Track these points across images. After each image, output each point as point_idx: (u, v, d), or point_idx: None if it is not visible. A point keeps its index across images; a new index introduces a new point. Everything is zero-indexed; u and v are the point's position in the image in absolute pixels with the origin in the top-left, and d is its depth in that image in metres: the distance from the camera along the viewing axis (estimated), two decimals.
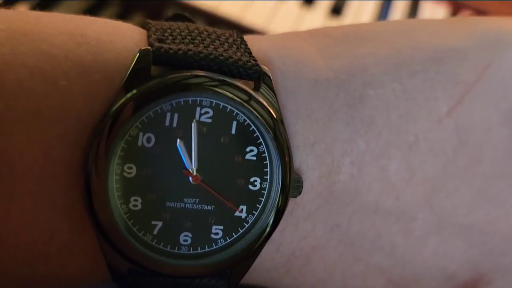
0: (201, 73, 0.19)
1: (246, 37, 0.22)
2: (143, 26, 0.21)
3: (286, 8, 0.82)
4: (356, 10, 0.85)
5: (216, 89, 0.19)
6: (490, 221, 0.23)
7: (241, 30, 0.71)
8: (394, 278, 0.23)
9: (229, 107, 0.20)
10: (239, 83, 0.20)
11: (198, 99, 0.19)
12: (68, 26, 0.20)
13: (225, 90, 0.19)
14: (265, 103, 0.20)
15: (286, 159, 0.20)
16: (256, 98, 0.20)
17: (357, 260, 0.23)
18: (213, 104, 0.20)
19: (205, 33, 0.21)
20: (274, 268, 0.23)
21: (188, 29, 0.21)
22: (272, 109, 0.20)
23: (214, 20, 0.72)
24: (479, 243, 0.23)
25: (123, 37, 0.20)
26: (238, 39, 0.21)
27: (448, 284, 0.24)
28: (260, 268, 0.22)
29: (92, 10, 0.73)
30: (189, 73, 0.19)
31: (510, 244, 0.23)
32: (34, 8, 0.63)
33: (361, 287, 0.24)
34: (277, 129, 0.20)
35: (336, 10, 0.83)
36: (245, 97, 0.20)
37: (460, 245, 0.23)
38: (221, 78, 0.20)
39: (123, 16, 0.76)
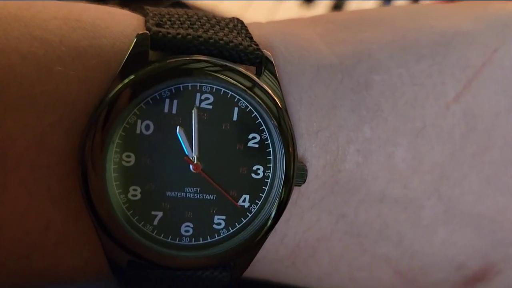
0: (201, 57, 0.19)
1: (247, 24, 0.22)
2: (141, 12, 0.21)
3: (285, 7, 0.82)
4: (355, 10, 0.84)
5: (217, 74, 0.19)
6: (499, 210, 0.22)
7: None
8: (402, 269, 0.23)
9: (230, 93, 0.19)
10: (241, 69, 0.19)
11: (198, 84, 0.19)
12: (62, 11, 0.19)
13: (227, 76, 0.19)
14: (269, 91, 0.19)
15: (290, 150, 0.20)
16: (260, 85, 0.19)
17: (364, 251, 0.22)
18: (214, 90, 0.19)
19: (205, 18, 0.20)
20: (279, 260, 0.22)
21: (187, 15, 0.20)
22: (276, 97, 0.20)
23: None
24: (489, 232, 0.23)
25: (120, 23, 0.19)
26: (239, 25, 0.21)
27: (457, 274, 0.23)
28: (264, 260, 0.22)
29: None
30: (188, 58, 0.19)
31: None
32: None
33: (368, 279, 0.23)
34: (282, 118, 0.19)
35: (337, 8, 0.82)
36: (248, 84, 0.19)
37: (469, 234, 0.22)
38: (223, 63, 0.19)
39: None
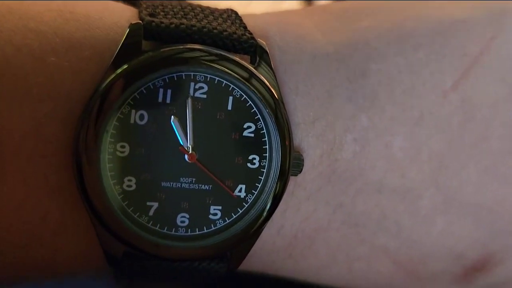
0: (196, 46, 0.19)
1: (243, 14, 0.22)
2: (134, 4, 0.21)
3: (285, 6, 0.81)
4: None
5: (213, 64, 0.19)
6: (498, 200, 0.22)
7: None
8: (401, 260, 0.23)
9: (225, 81, 0.19)
10: (237, 58, 0.19)
11: (192, 73, 0.19)
12: (56, 3, 0.19)
13: (223, 66, 0.19)
14: (266, 81, 0.19)
15: (287, 142, 0.20)
16: (256, 76, 0.19)
17: (362, 242, 0.22)
18: (208, 79, 0.19)
19: (198, 8, 0.20)
20: (276, 251, 0.22)
21: (181, 5, 0.20)
22: (272, 87, 0.19)
23: None
24: (488, 222, 0.22)
25: (113, 14, 0.19)
26: (233, 15, 0.21)
27: (456, 265, 0.23)
28: (261, 252, 0.22)
29: None
30: (182, 47, 0.19)
31: None
32: None
33: (367, 270, 0.23)
34: (279, 110, 0.19)
35: None
36: (245, 74, 0.19)
37: (468, 224, 0.22)
38: (218, 52, 0.19)
39: None
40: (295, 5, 0.81)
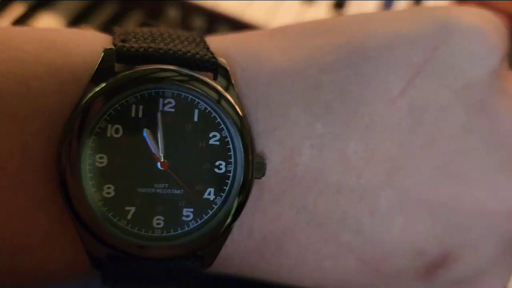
0: (167, 67, 0.21)
1: (209, 38, 0.24)
2: (110, 32, 0.23)
3: (286, 6, 0.82)
4: (358, 7, 0.84)
5: (182, 83, 0.21)
6: (452, 197, 0.24)
7: (242, 26, 0.69)
8: (364, 257, 0.24)
9: (190, 96, 0.21)
10: (204, 77, 0.21)
11: (161, 91, 0.21)
12: (38, 36, 0.21)
13: (192, 85, 0.21)
14: (230, 99, 0.22)
15: (250, 157, 0.22)
16: (221, 93, 0.21)
17: (327, 241, 0.24)
18: (175, 95, 0.21)
19: (167, 34, 0.23)
20: (249, 254, 0.24)
21: (151, 32, 0.23)
22: (236, 105, 0.22)
23: (214, 17, 0.71)
24: (443, 219, 0.24)
25: (90, 42, 0.22)
26: (198, 38, 0.23)
27: (418, 261, 0.24)
28: (235, 254, 0.24)
29: (90, 9, 0.70)
30: (153, 67, 0.21)
31: (474, 219, 0.24)
32: (30, 7, 0.61)
33: (334, 268, 0.24)
34: (243, 126, 0.22)
35: (338, 6, 0.82)
36: (211, 92, 0.21)
37: (425, 221, 0.24)
38: (187, 72, 0.21)
39: (121, 15, 0.72)
40: (295, 5, 0.82)
